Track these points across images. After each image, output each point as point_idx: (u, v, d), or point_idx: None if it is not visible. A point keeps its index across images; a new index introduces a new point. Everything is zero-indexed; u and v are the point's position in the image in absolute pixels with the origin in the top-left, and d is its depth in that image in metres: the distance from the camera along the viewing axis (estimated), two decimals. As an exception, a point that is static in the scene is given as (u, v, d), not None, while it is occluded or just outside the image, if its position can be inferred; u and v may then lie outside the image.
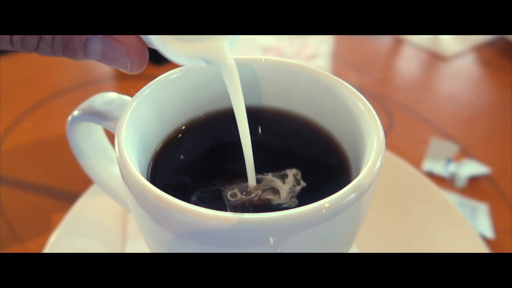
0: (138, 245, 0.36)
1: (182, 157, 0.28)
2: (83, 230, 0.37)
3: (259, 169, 0.27)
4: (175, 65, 0.28)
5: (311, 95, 0.29)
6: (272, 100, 0.31)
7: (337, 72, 0.63)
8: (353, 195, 0.22)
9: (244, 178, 0.26)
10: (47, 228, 0.41)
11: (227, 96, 0.26)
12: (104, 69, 0.64)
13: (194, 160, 0.28)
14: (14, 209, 0.43)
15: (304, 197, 0.26)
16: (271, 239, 0.21)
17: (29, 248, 0.40)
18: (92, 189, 0.39)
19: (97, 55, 0.24)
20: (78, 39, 0.23)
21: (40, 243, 0.40)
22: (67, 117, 0.29)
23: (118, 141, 0.24)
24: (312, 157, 0.29)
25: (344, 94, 0.28)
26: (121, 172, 0.23)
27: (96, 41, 0.23)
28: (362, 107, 0.26)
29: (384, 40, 0.71)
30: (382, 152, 0.24)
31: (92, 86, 0.60)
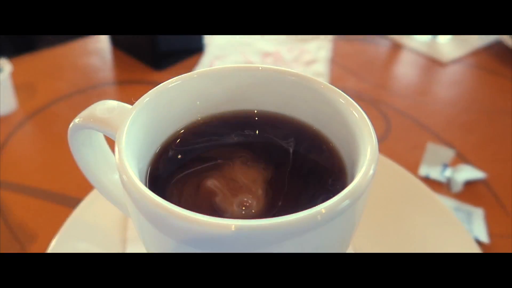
0: (137, 250, 0.36)
1: (180, 160, 0.29)
2: (83, 235, 0.37)
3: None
4: (174, 71, 0.29)
5: (307, 102, 0.30)
6: (270, 106, 0.31)
7: (335, 77, 0.64)
8: (347, 202, 0.23)
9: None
10: (48, 233, 0.41)
11: (224, 102, 0.27)
12: (105, 75, 0.64)
13: (192, 163, 0.28)
14: (15, 214, 0.44)
15: (300, 202, 0.26)
16: (268, 244, 0.22)
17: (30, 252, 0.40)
18: (93, 195, 0.39)
19: None
20: None
21: (41, 248, 0.40)
22: (68, 122, 0.30)
23: (118, 149, 0.24)
24: (309, 161, 0.29)
25: (338, 102, 0.28)
26: (121, 179, 0.24)
27: None
28: (356, 115, 0.27)
29: (382, 46, 0.72)
30: (375, 159, 0.24)
31: (93, 91, 0.61)
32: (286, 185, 0.27)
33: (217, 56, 0.68)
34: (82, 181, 0.37)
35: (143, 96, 0.28)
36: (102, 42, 0.71)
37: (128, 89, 0.62)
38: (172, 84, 0.29)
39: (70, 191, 0.46)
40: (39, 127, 0.55)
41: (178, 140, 0.30)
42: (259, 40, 0.72)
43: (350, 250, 0.36)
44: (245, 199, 0.26)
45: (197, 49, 0.69)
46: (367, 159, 0.24)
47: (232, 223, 0.21)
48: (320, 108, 0.29)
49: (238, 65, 0.30)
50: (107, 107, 0.28)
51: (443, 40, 0.72)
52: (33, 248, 0.41)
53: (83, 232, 0.37)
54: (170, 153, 0.29)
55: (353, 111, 0.27)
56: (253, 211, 0.26)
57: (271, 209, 0.26)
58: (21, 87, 0.60)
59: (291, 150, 0.29)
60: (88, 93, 0.61)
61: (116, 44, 0.69)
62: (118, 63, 0.67)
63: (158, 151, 0.29)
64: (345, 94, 0.28)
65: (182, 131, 0.30)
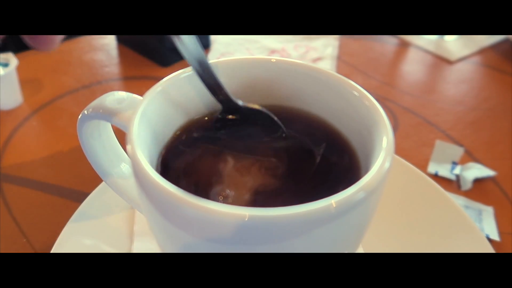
0: (145, 244, 0.36)
1: (192, 151, 0.28)
2: (90, 230, 0.37)
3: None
4: (179, 67, 0.28)
5: (319, 95, 0.29)
6: (282, 99, 0.31)
7: (342, 75, 0.64)
8: (361, 194, 0.22)
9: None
10: (55, 227, 0.41)
11: (235, 94, 0.26)
12: (110, 70, 0.64)
13: (204, 154, 0.28)
14: (22, 208, 0.43)
15: (313, 194, 0.26)
16: (281, 235, 0.21)
17: (36, 247, 0.40)
18: (100, 189, 0.39)
19: None
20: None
21: (48, 242, 0.40)
22: (73, 116, 0.29)
23: (130, 139, 0.24)
24: (321, 155, 0.29)
25: (352, 94, 0.28)
26: (133, 169, 0.23)
27: None
28: (370, 107, 0.27)
29: (389, 44, 0.71)
30: (391, 151, 0.24)
31: (99, 87, 0.61)
32: (298, 178, 0.27)
33: (223, 53, 0.68)
34: (87, 175, 0.36)
35: (154, 86, 0.27)
36: (108, 38, 0.71)
37: (134, 84, 0.62)
38: (184, 75, 0.28)
39: (75, 185, 0.46)
40: (45, 122, 0.55)
41: (189, 131, 0.29)
42: (265, 37, 0.72)
43: (360, 249, 0.36)
44: (257, 190, 0.26)
45: (203, 46, 0.68)
46: (382, 151, 0.24)
47: (245, 213, 0.21)
48: (333, 100, 0.29)
49: (251, 57, 0.29)
50: (116, 98, 0.28)
51: (450, 38, 0.71)
52: (39, 243, 0.40)
53: (90, 226, 0.37)
54: (182, 143, 0.28)
55: (367, 103, 0.27)
56: (265, 202, 0.25)
57: (281, 201, 0.26)
58: (26, 81, 0.60)
59: (303, 143, 0.29)
60: (94, 89, 0.61)
61: (122, 40, 0.69)
62: (123, 59, 0.67)
63: (170, 141, 0.28)
64: (358, 86, 0.28)
65: (194, 122, 0.30)
